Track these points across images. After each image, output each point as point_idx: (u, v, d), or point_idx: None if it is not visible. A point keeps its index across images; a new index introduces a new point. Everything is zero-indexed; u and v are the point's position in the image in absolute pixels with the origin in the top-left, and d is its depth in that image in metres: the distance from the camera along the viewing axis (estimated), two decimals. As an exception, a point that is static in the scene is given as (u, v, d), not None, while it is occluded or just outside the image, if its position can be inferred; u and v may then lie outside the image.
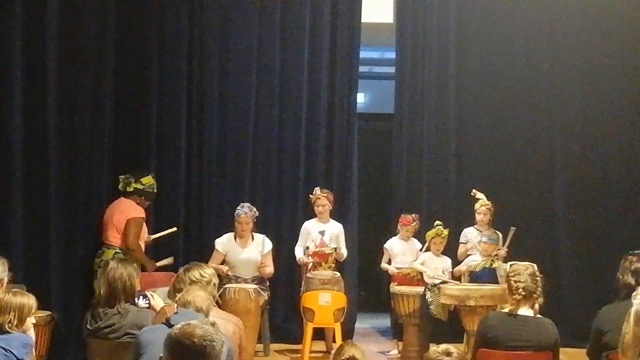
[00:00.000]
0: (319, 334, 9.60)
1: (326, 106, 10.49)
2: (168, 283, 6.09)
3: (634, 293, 5.56)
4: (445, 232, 9.56)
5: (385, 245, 9.89)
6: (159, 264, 9.19)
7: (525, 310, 5.59)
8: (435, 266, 9.46)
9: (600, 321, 5.78)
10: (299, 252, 9.72)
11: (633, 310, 4.43)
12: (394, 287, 9.67)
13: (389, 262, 9.87)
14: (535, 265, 5.82)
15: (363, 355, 5.28)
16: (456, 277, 9.43)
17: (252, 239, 9.37)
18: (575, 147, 10.67)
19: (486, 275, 9.10)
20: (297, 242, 9.79)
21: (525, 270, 5.70)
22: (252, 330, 8.97)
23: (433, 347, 4.28)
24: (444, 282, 9.13)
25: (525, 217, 10.49)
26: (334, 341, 9.26)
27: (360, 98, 11.67)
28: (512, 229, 9.47)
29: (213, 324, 3.47)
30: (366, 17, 10.57)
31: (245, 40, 10.34)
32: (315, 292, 9.17)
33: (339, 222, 9.88)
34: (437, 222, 9.63)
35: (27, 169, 9.17)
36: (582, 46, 10.67)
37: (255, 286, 9.04)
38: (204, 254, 9.55)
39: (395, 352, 9.89)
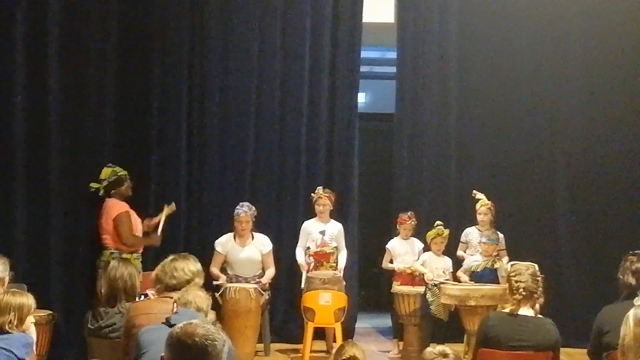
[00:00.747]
0: (320, 333, 9.60)
1: (327, 106, 10.49)
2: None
3: (637, 298, 5.58)
4: (446, 232, 9.57)
5: (387, 246, 9.89)
6: (159, 219, 9.26)
7: (526, 310, 5.59)
8: (436, 266, 9.47)
9: (601, 321, 5.78)
10: (300, 255, 9.71)
11: (632, 313, 4.44)
12: (395, 287, 9.69)
13: (391, 262, 9.87)
14: (536, 265, 5.81)
15: (364, 354, 5.28)
16: (457, 280, 9.43)
17: (252, 238, 9.38)
18: (577, 147, 10.66)
19: (487, 275, 9.11)
20: (297, 242, 9.78)
21: (526, 270, 5.70)
22: (253, 330, 8.99)
23: (429, 348, 4.29)
24: (444, 282, 9.15)
25: (527, 217, 10.50)
26: (335, 341, 9.27)
27: (361, 98, 11.66)
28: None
29: (214, 324, 3.48)
30: (367, 17, 10.56)
31: (246, 39, 10.34)
32: (315, 292, 9.17)
33: (339, 221, 9.88)
34: (438, 222, 9.64)
35: (29, 168, 9.21)
36: (585, 45, 10.66)
37: (255, 286, 9.06)
38: (204, 254, 9.53)
39: (395, 351, 9.88)
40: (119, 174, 9.07)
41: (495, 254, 9.24)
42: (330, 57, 10.49)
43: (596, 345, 5.83)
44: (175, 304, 5.04)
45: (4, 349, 5.23)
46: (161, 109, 10.11)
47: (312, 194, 9.79)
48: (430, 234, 9.60)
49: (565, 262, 10.56)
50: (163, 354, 3.45)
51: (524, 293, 5.59)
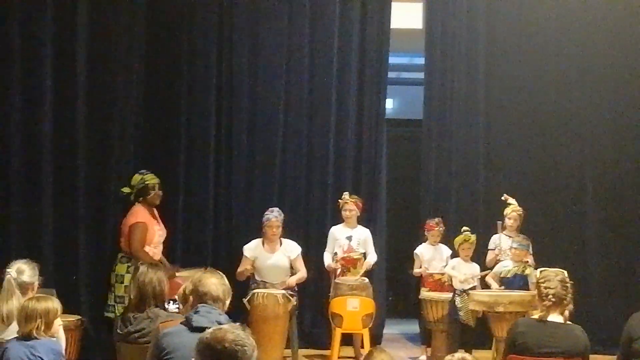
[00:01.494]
0: (347, 339, 9.59)
1: (355, 112, 10.49)
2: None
3: None
4: (473, 237, 9.54)
5: (415, 252, 9.87)
6: (182, 274, 9.11)
7: (555, 317, 5.57)
8: (464, 272, 9.44)
9: (631, 328, 5.76)
10: (327, 259, 9.72)
11: None
12: (423, 293, 9.68)
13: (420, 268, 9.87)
14: (565, 272, 5.79)
15: None
16: (486, 285, 9.40)
17: (281, 244, 9.38)
18: (606, 153, 10.60)
19: (517, 282, 9.07)
20: (325, 247, 9.79)
21: (555, 276, 5.68)
22: (280, 336, 8.99)
23: (448, 356, 4.27)
24: (473, 288, 9.12)
25: (555, 223, 10.45)
26: (362, 347, 9.27)
27: (389, 104, 11.66)
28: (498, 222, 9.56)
29: (244, 328, 3.48)
30: (395, 23, 10.55)
31: (274, 45, 10.37)
32: (343, 298, 9.18)
33: (367, 227, 9.88)
34: (465, 228, 9.61)
35: (57, 174, 9.28)
36: (613, 52, 10.60)
37: (283, 291, 9.03)
38: (232, 259, 9.57)
39: (423, 358, 9.86)
40: (146, 182, 9.02)
41: (525, 259, 9.19)
42: (358, 62, 10.49)
43: (626, 351, 5.80)
44: (191, 298, 4.99)
45: (33, 354, 5.27)
46: (189, 117, 10.17)
47: (339, 200, 9.80)
48: (458, 240, 9.57)
49: (594, 269, 10.50)
50: (193, 359, 3.47)
51: (553, 299, 5.57)
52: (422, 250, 9.84)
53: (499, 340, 8.50)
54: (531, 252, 9.45)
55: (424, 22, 10.79)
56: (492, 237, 9.78)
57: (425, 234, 9.89)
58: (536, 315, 5.70)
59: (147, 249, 8.73)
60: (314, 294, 10.16)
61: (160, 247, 9.05)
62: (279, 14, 10.36)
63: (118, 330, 6.19)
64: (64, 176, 9.37)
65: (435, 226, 9.82)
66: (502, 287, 9.06)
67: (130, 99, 9.76)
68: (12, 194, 9.32)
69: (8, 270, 6.07)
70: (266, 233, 9.31)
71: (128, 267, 8.65)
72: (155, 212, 9.08)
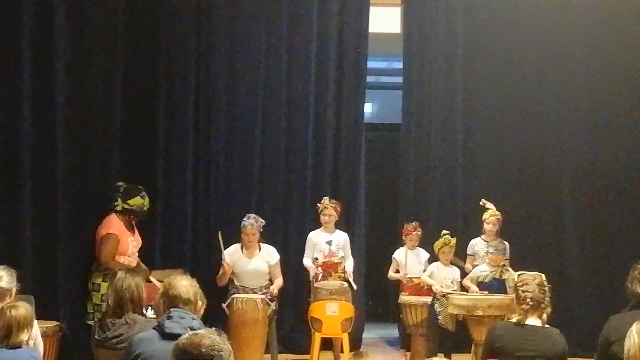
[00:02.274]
0: (327, 344, 9.58)
1: (333, 116, 10.51)
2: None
3: None
4: (453, 241, 9.56)
5: (393, 255, 9.90)
6: (156, 275, 9.00)
7: (533, 320, 5.57)
8: (444, 276, 9.46)
9: (608, 331, 5.75)
10: (307, 263, 9.71)
11: (635, 327, 4.44)
12: (402, 297, 9.70)
13: (397, 272, 9.88)
14: (543, 275, 5.80)
15: None
16: (464, 289, 9.42)
17: (259, 249, 9.37)
18: (583, 156, 10.65)
19: (495, 286, 9.10)
20: (304, 252, 9.78)
21: (533, 280, 5.68)
22: (260, 341, 8.99)
23: None
24: (452, 292, 9.14)
25: (533, 227, 10.49)
26: (342, 351, 9.27)
27: (368, 108, 11.68)
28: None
29: (220, 333, 3.48)
30: (373, 27, 10.58)
31: (252, 50, 10.38)
32: (322, 302, 9.19)
33: (345, 232, 9.89)
34: (445, 231, 9.63)
35: (35, 180, 9.21)
36: (591, 57, 10.65)
37: (262, 296, 9.04)
38: (211, 265, 9.56)
39: (403, 362, 9.90)
40: (144, 207, 9.03)
41: (502, 264, 9.22)
42: (336, 67, 10.51)
43: (603, 355, 5.80)
44: (162, 302, 4.97)
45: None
46: (167, 124, 10.16)
47: (318, 204, 9.80)
48: (438, 244, 9.59)
49: (572, 272, 10.54)
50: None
51: (531, 303, 5.57)
52: (400, 254, 9.87)
53: (478, 344, 8.52)
54: (508, 257, 9.49)
55: (402, 26, 10.82)
56: (470, 242, 9.81)
57: (404, 238, 9.91)
58: (514, 318, 5.70)
59: (121, 259, 8.70)
60: (293, 298, 10.17)
61: (135, 256, 9.00)
62: (256, 18, 10.36)
63: (96, 336, 6.16)
64: (43, 183, 9.31)
65: (412, 230, 9.85)
66: (485, 292, 9.06)
67: (109, 106, 9.72)
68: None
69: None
70: (243, 239, 9.31)
71: (104, 275, 8.61)
72: (132, 223, 9.06)
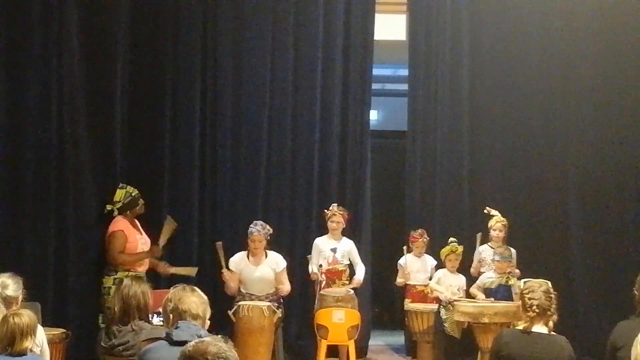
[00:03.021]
0: (333, 351, 9.58)
1: (339, 123, 10.52)
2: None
3: None
4: (460, 248, 9.57)
5: (399, 262, 9.90)
6: (176, 270, 9.25)
7: (539, 328, 5.56)
8: (450, 283, 9.47)
9: (615, 337, 5.75)
10: (313, 269, 9.70)
11: None
12: (408, 304, 9.70)
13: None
14: (549, 282, 5.78)
15: None
16: (471, 296, 9.41)
17: (266, 256, 9.36)
18: (589, 162, 10.65)
19: (501, 293, 9.09)
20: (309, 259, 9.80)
21: (539, 287, 5.66)
22: (266, 348, 8.97)
23: None
24: (458, 300, 9.14)
25: (540, 233, 10.48)
26: (348, 358, 9.27)
27: (373, 115, 11.68)
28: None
29: (226, 341, 3.48)
30: (379, 35, 10.61)
31: (258, 57, 10.40)
32: (329, 310, 9.18)
33: (352, 239, 9.89)
34: (452, 238, 9.64)
35: (41, 183, 9.21)
36: (597, 64, 10.66)
37: (268, 303, 9.03)
38: (218, 272, 9.55)
39: (409, 369, 9.89)
40: (132, 194, 9.13)
41: (508, 271, 9.22)
42: (342, 74, 10.52)
43: (610, 360, 5.81)
44: (172, 316, 5.00)
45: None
46: (173, 131, 10.18)
47: (326, 211, 9.80)
48: (444, 251, 9.60)
49: (578, 279, 10.54)
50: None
51: (537, 310, 5.55)
52: (406, 262, 9.86)
53: (484, 351, 8.52)
54: (514, 263, 9.48)
55: (407, 33, 10.83)
56: (477, 249, 9.80)
57: (410, 245, 9.91)
58: (520, 326, 5.69)
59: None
60: (300, 305, 10.16)
61: (147, 260, 9.08)
62: (262, 26, 10.38)
63: (102, 343, 6.18)
64: (50, 190, 9.32)
65: (419, 237, 9.86)
66: (492, 299, 9.05)
67: (114, 111, 9.74)
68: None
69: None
70: (249, 246, 9.30)
71: (114, 279, 8.66)
72: (137, 222, 9.12)
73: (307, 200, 10.44)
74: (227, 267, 9.24)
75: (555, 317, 5.65)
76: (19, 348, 5.29)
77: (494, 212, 9.73)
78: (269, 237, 9.31)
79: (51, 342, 6.74)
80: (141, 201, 9.17)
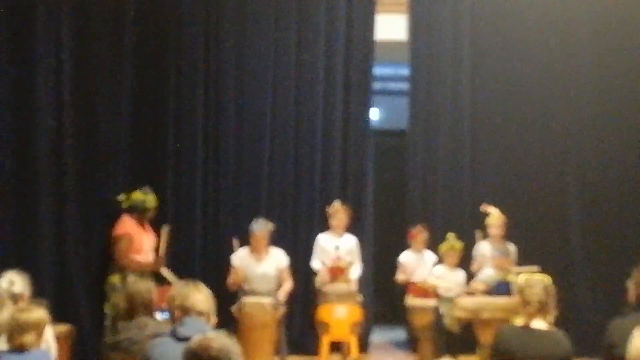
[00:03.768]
0: (336, 347, 9.63)
1: (341, 122, 10.56)
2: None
3: None
4: (459, 244, 9.61)
5: (399, 259, 9.94)
6: (167, 274, 9.27)
7: (538, 323, 5.59)
8: (449, 279, 9.50)
9: (611, 334, 5.78)
10: (316, 265, 9.74)
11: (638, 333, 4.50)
12: (409, 300, 9.73)
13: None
14: (549, 278, 5.84)
15: None
16: (472, 291, 9.46)
17: (268, 253, 9.41)
18: (589, 158, 10.68)
19: (501, 289, 9.14)
20: (311, 256, 9.84)
21: (538, 282, 5.72)
22: (269, 344, 9.00)
23: None
24: (458, 295, 9.19)
25: (539, 230, 10.51)
26: (350, 354, 9.31)
27: (375, 114, 11.71)
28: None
29: (230, 336, 3.53)
30: (380, 34, 10.64)
31: (260, 56, 10.44)
32: (331, 306, 9.23)
33: (354, 235, 9.93)
34: (450, 234, 9.67)
35: (46, 182, 9.27)
36: (598, 63, 10.69)
37: (271, 299, 9.08)
38: (221, 269, 9.61)
39: (411, 364, 9.94)
40: (146, 205, 9.20)
41: (507, 267, 9.26)
42: (343, 73, 10.56)
43: (607, 358, 5.84)
44: (177, 312, 5.06)
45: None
46: (177, 128, 10.23)
47: (328, 208, 9.85)
48: (443, 247, 9.64)
49: (578, 274, 10.57)
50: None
51: (536, 306, 5.59)
52: (406, 258, 9.91)
53: (484, 347, 8.54)
54: (514, 260, 9.52)
55: (408, 33, 10.85)
56: (476, 246, 9.85)
57: (410, 242, 9.95)
58: (520, 321, 5.73)
59: (137, 258, 8.84)
60: (302, 301, 10.19)
61: (151, 254, 9.14)
62: (264, 25, 10.43)
63: (107, 340, 6.23)
64: (54, 188, 9.38)
65: (417, 234, 9.88)
66: (491, 295, 9.10)
67: (118, 109, 9.80)
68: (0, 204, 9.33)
69: (-1, 281, 6.11)
70: (252, 243, 9.35)
71: (121, 276, 8.73)
72: (145, 222, 9.19)
73: (310, 198, 10.48)
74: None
75: (554, 312, 5.70)
76: (19, 342, 5.33)
77: (490, 209, 9.77)
78: (270, 234, 9.36)
79: (57, 338, 6.79)
80: (151, 213, 9.24)
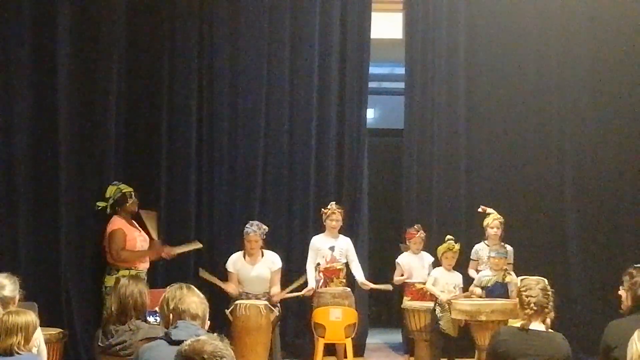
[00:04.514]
0: (330, 349, 9.58)
1: (336, 122, 10.52)
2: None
3: None
4: (457, 246, 9.57)
5: (397, 260, 9.90)
6: (180, 249, 9.33)
7: (536, 325, 5.56)
8: (447, 282, 9.47)
9: (609, 336, 5.74)
10: (310, 274, 9.64)
11: (638, 335, 4.43)
12: (405, 302, 9.70)
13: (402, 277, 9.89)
14: (546, 280, 5.79)
15: None
16: (470, 294, 9.41)
17: (262, 255, 9.35)
18: (586, 160, 10.69)
19: (498, 290, 9.10)
20: (307, 257, 9.78)
21: (536, 284, 5.66)
22: (263, 347, 8.97)
23: None
24: (454, 298, 9.15)
25: (536, 231, 10.50)
26: (345, 357, 9.27)
27: (370, 113, 11.68)
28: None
29: (222, 339, 3.47)
30: (375, 33, 10.60)
31: (254, 56, 10.39)
32: (326, 308, 9.19)
33: (349, 236, 9.88)
34: (449, 236, 9.64)
35: (37, 186, 9.23)
36: (594, 62, 10.71)
37: (266, 302, 9.03)
38: (215, 271, 9.55)
39: (407, 367, 9.89)
40: (123, 190, 9.13)
41: (504, 267, 9.22)
42: (338, 73, 10.53)
43: (605, 360, 5.80)
44: (171, 316, 4.99)
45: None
46: (170, 128, 10.18)
47: (324, 209, 9.79)
48: (441, 249, 9.60)
49: (575, 276, 10.56)
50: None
51: (534, 308, 5.55)
52: (404, 259, 9.86)
53: (481, 349, 8.53)
54: (511, 261, 9.48)
55: (404, 32, 10.83)
56: (474, 248, 9.81)
57: (407, 243, 9.91)
58: (518, 323, 5.69)
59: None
60: (297, 304, 10.14)
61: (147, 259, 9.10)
62: (258, 24, 10.37)
63: (99, 343, 6.16)
64: (45, 189, 9.33)
65: (415, 233, 9.85)
66: (488, 298, 9.05)
67: (111, 110, 9.74)
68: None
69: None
70: (246, 246, 9.30)
71: (116, 278, 8.66)
72: (134, 222, 9.12)
73: (304, 199, 10.44)
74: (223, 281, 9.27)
75: (552, 314, 5.66)
76: (5, 345, 5.26)
77: (489, 209, 9.74)
78: (264, 237, 9.31)
79: (48, 342, 6.74)
80: (132, 199, 9.14)
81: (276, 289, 9.34)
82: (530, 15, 10.72)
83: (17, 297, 6.11)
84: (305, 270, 9.60)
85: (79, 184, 9.50)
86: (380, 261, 11.01)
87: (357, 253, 9.88)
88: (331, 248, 9.65)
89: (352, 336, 9.29)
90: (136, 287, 6.21)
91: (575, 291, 10.48)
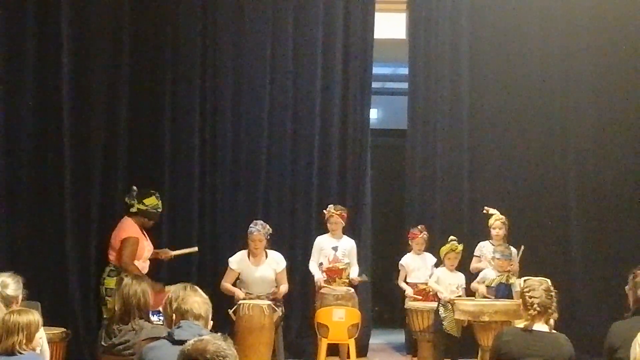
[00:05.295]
0: (333, 350, 9.57)
1: (339, 122, 10.51)
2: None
3: None
4: (460, 247, 9.55)
5: (400, 262, 9.89)
6: (177, 252, 9.26)
7: (540, 326, 5.55)
8: (449, 282, 9.46)
9: (612, 338, 5.73)
10: (314, 269, 9.67)
11: None
12: (408, 303, 9.68)
13: (406, 279, 9.86)
14: (549, 281, 5.78)
15: None
16: (471, 294, 9.40)
17: (266, 256, 9.34)
18: (590, 160, 10.67)
19: (502, 291, 9.09)
20: (310, 257, 9.77)
21: (539, 285, 5.65)
22: (266, 347, 8.96)
23: None
24: (457, 298, 9.14)
25: (540, 232, 10.48)
26: (348, 357, 9.26)
27: (373, 114, 11.67)
28: (521, 247, 9.47)
29: (225, 339, 3.47)
30: (379, 33, 10.59)
31: (257, 57, 10.39)
32: (329, 308, 9.18)
33: (352, 237, 9.88)
34: (452, 237, 9.62)
35: (42, 186, 9.24)
36: (597, 61, 10.68)
37: (269, 302, 9.01)
38: (217, 271, 9.56)
39: (409, 367, 9.88)
40: (159, 210, 9.04)
41: (508, 269, 9.21)
42: (342, 73, 10.52)
43: (609, 361, 5.79)
44: (174, 316, 4.98)
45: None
46: (173, 128, 10.18)
47: (325, 211, 9.78)
48: (444, 249, 9.58)
49: (578, 277, 10.55)
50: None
51: (538, 309, 5.54)
52: (407, 261, 9.86)
53: (484, 350, 8.51)
54: (516, 262, 9.46)
55: (407, 32, 10.82)
56: (479, 244, 9.79)
57: (410, 243, 9.90)
58: (521, 324, 5.68)
59: (136, 263, 8.71)
60: (300, 304, 10.16)
61: (148, 262, 9.02)
62: (262, 24, 10.37)
63: (102, 343, 6.17)
64: (50, 189, 9.34)
65: (418, 233, 9.84)
66: (492, 298, 9.04)
67: (115, 109, 9.75)
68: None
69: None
70: (250, 246, 9.28)
71: (119, 278, 8.63)
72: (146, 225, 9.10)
73: (308, 199, 10.43)
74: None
75: (556, 315, 5.65)
76: (7, 344, 5.25)
77: (492, 210, 9.72)
78: (268, 237, 9.30)
79: (51, 342, 6.74)
80: (156, 220, 9.12)
81: (284, 288, 9.33)
82: (534, 15, 10.71)
83: (20, 296, 6.11)
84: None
85: (83, 183, 9.50)
86: (383, 261, 11.01)
87: (359, 253, 9.89)
88: (334, 248, 9.66)
89: (355, 336, 9.27)
90: (139, 286, 6.21)
91: (579, 292, 10.46)
